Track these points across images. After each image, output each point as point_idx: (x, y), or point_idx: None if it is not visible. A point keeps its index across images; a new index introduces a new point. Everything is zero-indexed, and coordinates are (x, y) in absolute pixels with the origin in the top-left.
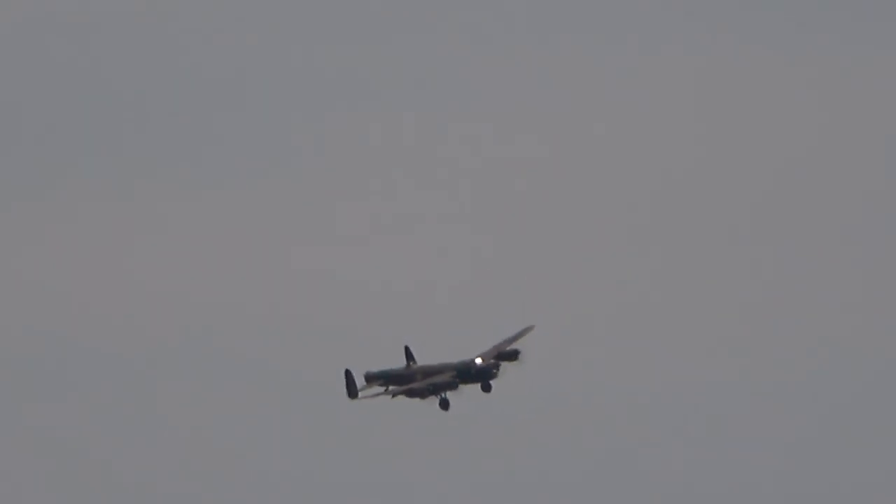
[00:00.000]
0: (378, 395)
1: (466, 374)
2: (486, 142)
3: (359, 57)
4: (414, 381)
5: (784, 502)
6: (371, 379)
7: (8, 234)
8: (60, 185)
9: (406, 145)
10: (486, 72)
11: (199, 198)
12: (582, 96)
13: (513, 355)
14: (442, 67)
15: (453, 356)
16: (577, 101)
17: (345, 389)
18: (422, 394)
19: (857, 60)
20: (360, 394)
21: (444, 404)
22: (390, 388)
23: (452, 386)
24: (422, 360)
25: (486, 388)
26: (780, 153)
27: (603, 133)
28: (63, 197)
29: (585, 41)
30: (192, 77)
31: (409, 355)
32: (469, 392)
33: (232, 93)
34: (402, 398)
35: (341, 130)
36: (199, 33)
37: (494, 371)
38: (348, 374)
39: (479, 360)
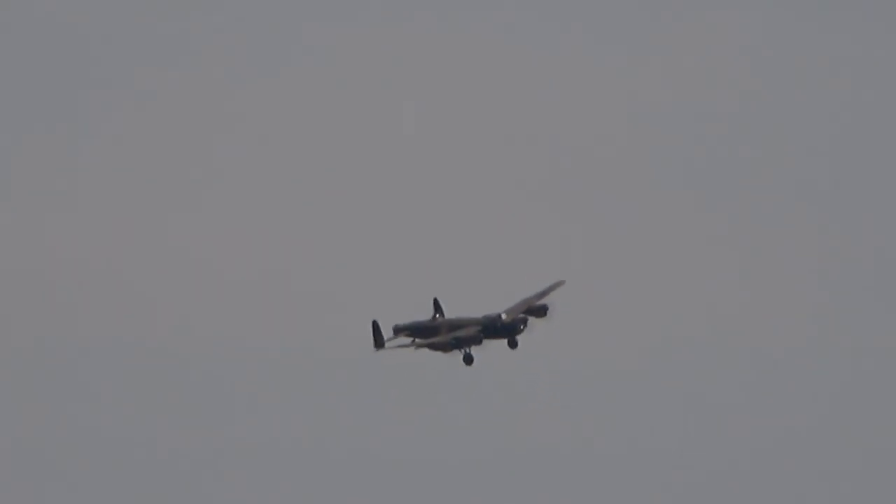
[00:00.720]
0: (403, 346)
1: (492, 328)
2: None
3: (358, 56)
4: (439, 333)
5: (784, 502)
6: (399, 331)
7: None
8: (59, 183)
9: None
10: (485, 71)
11: (203, 196)
12: (582, 96)
13: (541, 310)
14: (441, 67)
15: (484, 310)
16: (577, 100)
17: (371, 340)
18: (445, 348)
19: (858, 60)
20: (386, 345)
21: (468, 359)
22: (416, 340)
23: (476, 341)
24: (451, 312)
25: (513, 344)
26: (781, 152)
27: (603, 130)
28: (63, 196)
29: (585, 41)
30: (192, 76)
31: (437, 307)
32: (495, 347)
33: (234, 93)
34: (425, 351)
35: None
36: (199, 33)
37: (521, 327)
38: (375, 325)
39: (504, 315)
